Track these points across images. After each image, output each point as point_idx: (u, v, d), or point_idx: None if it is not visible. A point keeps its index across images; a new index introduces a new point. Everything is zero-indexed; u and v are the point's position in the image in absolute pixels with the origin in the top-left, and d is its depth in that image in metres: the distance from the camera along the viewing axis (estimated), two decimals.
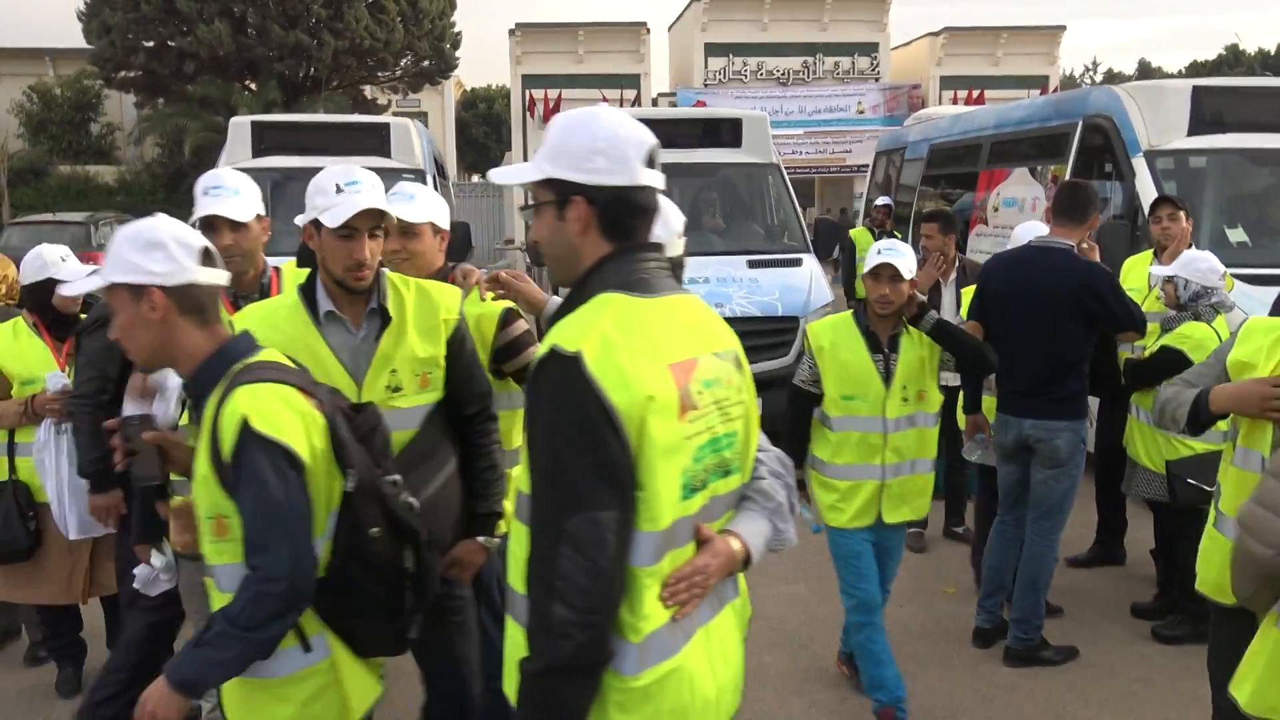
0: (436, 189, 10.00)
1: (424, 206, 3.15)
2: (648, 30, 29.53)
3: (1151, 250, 5.94)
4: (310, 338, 2.66)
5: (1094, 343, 4.58)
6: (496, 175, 1.92)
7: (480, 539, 2.88)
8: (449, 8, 29.17)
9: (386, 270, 2.81)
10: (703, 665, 1.82)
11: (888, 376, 3.97)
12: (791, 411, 4.20)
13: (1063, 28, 30.62)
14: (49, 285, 4.15)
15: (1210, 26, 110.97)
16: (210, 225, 3.17)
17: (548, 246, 1.84)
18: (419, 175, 9.82)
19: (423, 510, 2.61)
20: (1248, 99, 7.76)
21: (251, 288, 3.31)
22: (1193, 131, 7.49)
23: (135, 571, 3.58)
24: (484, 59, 68.42)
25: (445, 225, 3.22)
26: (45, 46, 31.68)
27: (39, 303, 4.22)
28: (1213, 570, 2.94)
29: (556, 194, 1.80)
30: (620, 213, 1.80)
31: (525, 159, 28.57)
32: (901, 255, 3.92)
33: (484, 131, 46.74)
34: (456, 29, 29.49)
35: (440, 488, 2.73)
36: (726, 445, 1.85)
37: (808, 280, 8.56)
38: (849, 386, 3.98)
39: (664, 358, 1.72)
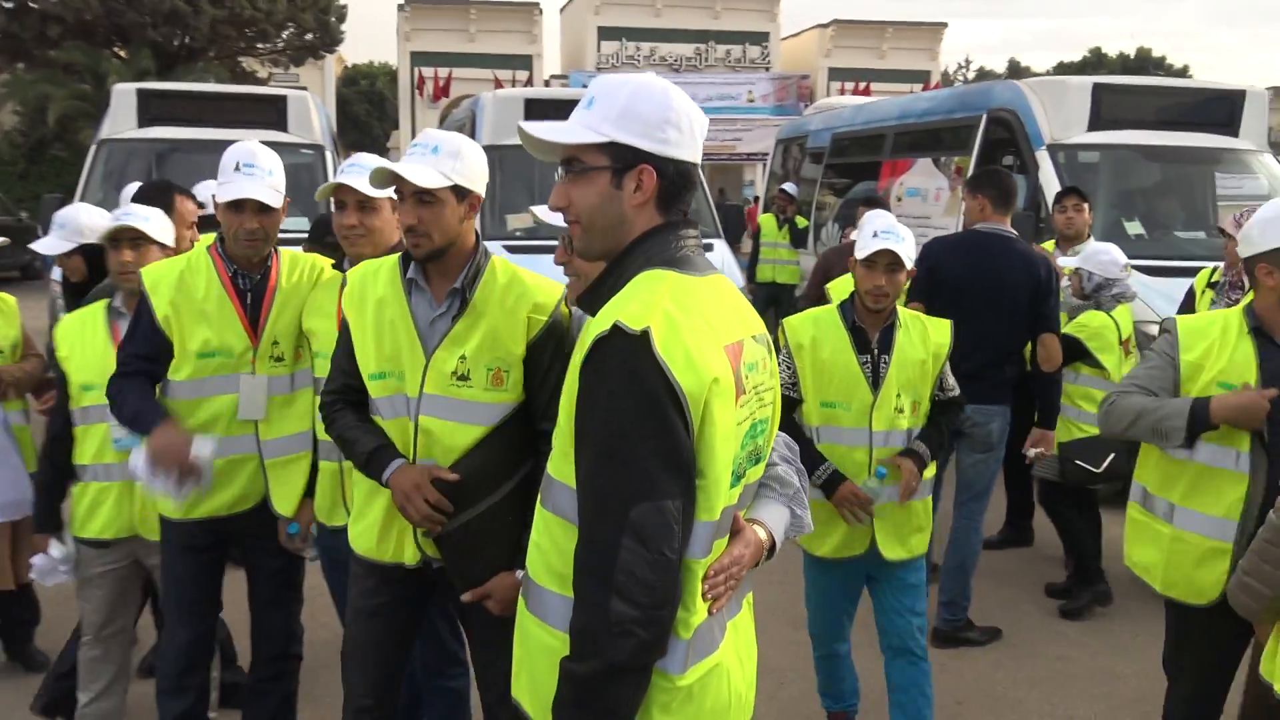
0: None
1: None
2: (540, 11, 29.25)
3: (1054, 240, 6.14)
4: (395, 299, 2.56)
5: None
6: (541, 130, 1.74)
7: (519, 573, 2.55)
8: None
9: (494, 253, 2.65)
10: (734, 661, 1.76)
11: (876, 381, 3.40)
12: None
13: (944, 25, 31.58)
14: None
15: (1070, 30, 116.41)
16: (239, 207, 2.98)
17: (591, 214, 1.72)
18: (317, 150, 9.47)
19: (459, 531, 2.49)
20: (1145, 97, 8.10)
21: (254, 269, 3.11)
22: (1093, 127, 7.79)
23: (33, 561, 3.43)
24: (366, 35, 66.84)
25: None
26: None
27: None
28: (1163, 567, 2.94)
29: (615, 160, 1.70)
30: (681, 188, 1.74)
31: (414, 137, 27.94)
32: (901, 240, 3.36)
33: (366, 109, 45.57)
34: (342, 2, 28.62)
35: (489, 508, 2.52)
36: (760, 432, 1.79)
37: (719, 266, 8.58)
38: (829, 392, 3.41)
39: (720, 339, 1.65)
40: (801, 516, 2.01)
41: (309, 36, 28.17)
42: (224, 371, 3.05)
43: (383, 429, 2.59)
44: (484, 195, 2.62)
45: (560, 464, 1.67)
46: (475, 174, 2.56)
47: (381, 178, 2.52)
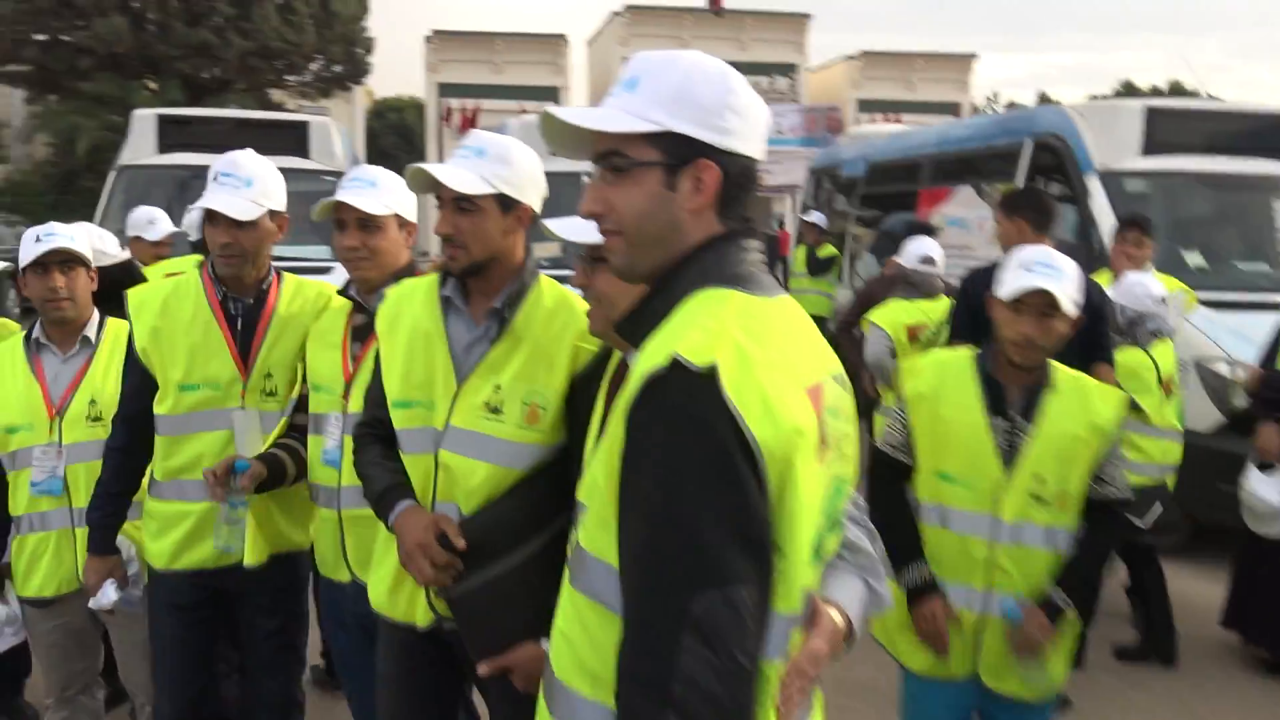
0: None
1: (387, 195, 2.66)
2: (567, 43, 29.23)
3: (1110, 271, 5.77)
4: (430, 320, 2.30)
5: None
6: (577, 116, 1.40)
7: (545, 643, 2.23)
8: (362, 11, 28.37)
9: (543, 271, 2.37)
10: None
11: (1010, 454, 2.60)
12: (878, 489, 2.79)
13: (974, 56, 31.29)
14: None
15: (1095, 64, 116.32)
16: (213, 220, 2.72)
17: (638, 222, 1.39)
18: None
19: (475, 594, 2.14)
20: (1200, 121, 7.73)
21: (247, 292, 2.82)
22: (1146, 152, 7.42)
23: None
24: (394, 68, 67.36)
25: (412, 216, 2.74)
26: None
27: None
28: None
29: (668, 154, 1.37)
30: (744, 188, 1.41)
31: None
32: (1060, 276, 2.58)
33: (393, 142, 45.77)
34: (370, 34, 28.72)
35: (513, 568, 2.16)
36: (841, 492, 1.44)
37: None
38: (947, 460, 2.65)
39: (800, 379, 1.31)
40: (879, 591, 1.67)
41: (337, 68, 28.25)
42: (210, 405, 2.74)
43: (403, 466, 2.29)
44: (537, 208, 2.31)
45: (597, 535, 1.33)
46: (525, 182, 2.26)
47: (417, 180, 2.26)
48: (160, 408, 2.76)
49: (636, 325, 1.41)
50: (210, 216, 2.71)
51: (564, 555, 2.07)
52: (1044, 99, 52.09)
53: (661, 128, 1.36)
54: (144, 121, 9.35)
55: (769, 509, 1.23)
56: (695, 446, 1.20)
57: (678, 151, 1.37)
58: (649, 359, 1.26)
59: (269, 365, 2.79)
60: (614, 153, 1.40)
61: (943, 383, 2.71)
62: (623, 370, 1.93)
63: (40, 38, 24.75)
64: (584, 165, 1.52)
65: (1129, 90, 44.13)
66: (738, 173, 1.40)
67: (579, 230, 1.90)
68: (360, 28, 28.33)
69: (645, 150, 1.38)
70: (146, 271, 4.57)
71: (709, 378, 1.21)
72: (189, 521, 2.78)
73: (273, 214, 2.79)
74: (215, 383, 2.74)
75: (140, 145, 9.27)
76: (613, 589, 1.29)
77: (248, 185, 2.71)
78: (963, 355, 2.78)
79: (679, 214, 1.38)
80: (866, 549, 1.65)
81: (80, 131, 24.09)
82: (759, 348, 1.27)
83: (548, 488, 2.21)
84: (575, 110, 1.42)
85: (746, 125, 1.40)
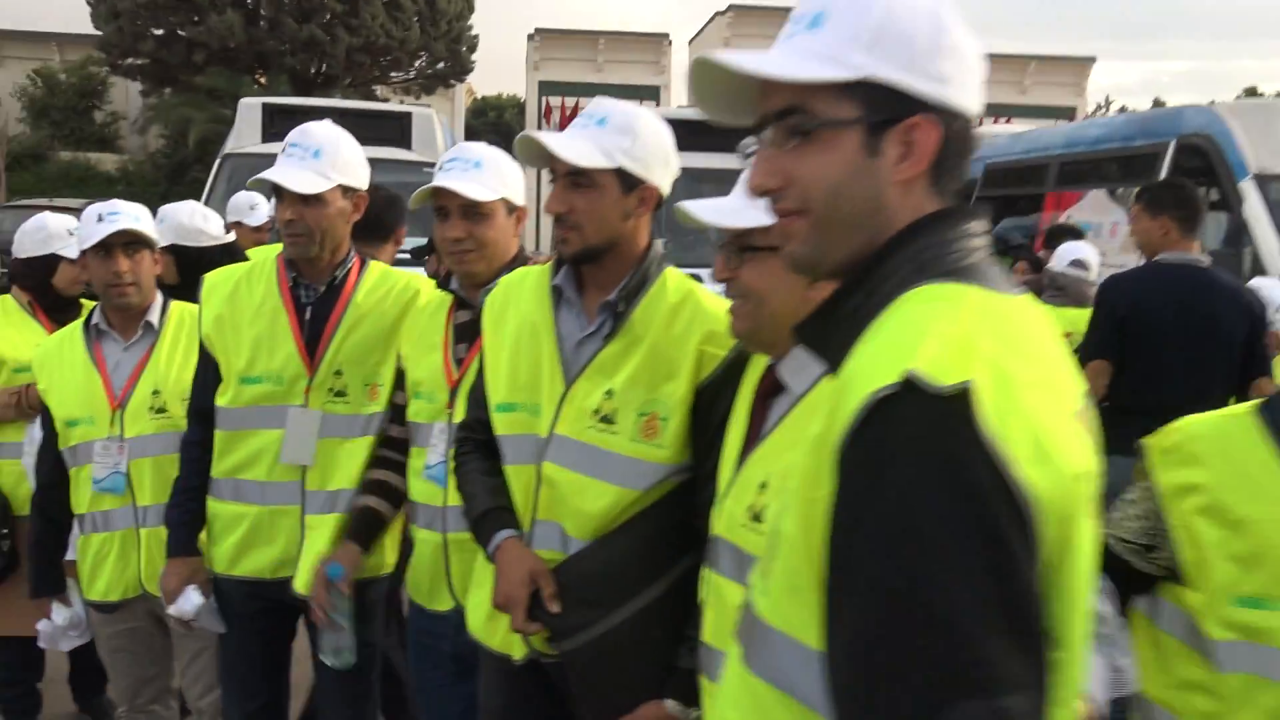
0: None
1: (493, 176, 2.34)
2: (669, 42, 29.03)
3: None
4: (539, 312, 2.03)
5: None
6: (747, 62, 1.06)
7: (670, 704, 1.86)
8: (467, 10, 28.63)
9: (670, 264, 2.07)
10: None
11: None
12: None
13: (1092, 59, 30.14)
14: (51, 261, 3.40)
15: (1210, 72, 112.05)
16: (278, 195, 2.47)
17: (831, 196, 1.05)
18: None
19: (587, 648, 1.87)
20: None
21: (319, 278, 2.55)
22: None
23: (38, 627, 2.97)
24: (495, 67, 68.16)
25: (521, 199, 2.42)
26: (53, 31, 31.08)
27: (37, 281, 3.44)
28: None
29: (870, 110, 1.03)
30: (964, 155, 1.07)
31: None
32: None
33: (493, 140, 46.27)
34: (474, 32, 28.95)
35: (631, 617, 1.86)
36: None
37: None
38: (1254, 578, 1.64)
39: (1069, 404, 0.97)
40: (1124, 669, 1.33)
41: (440, 66, 28.54)
42: (271, 401, 2.48)
43: (505, 482, 2.03)
44: (665, 190, 1.99)
45: (788, 606, 1.00)
46: (651, 158, 1.94)
47: (528, 150, 1.95)
48: (221, 400, 2.51)
49: (827, 329, 1.07)
50: (278, 193, 2.45)
51: (689, 599, 1.76)
52: (1160, 106, 50.22)
53: (861, 75, 1.02)
54: (250, 110, 9.38)
55: (1041, 584, 0.88)
56: (944, 498, 0.84)
57: (882, 106, 1.03)
58: (869, 376, 0.91)
59: (339, 361, 2.50)
60: (795, 109, 1.05)
61: (1228, 464, 1.71)
62: (770, 379, 1.61)
63: (158, 32, 25.53)
64: (717, 161, 1.18)
65: (1252, 98, 42.24)
66: (957, 133, 1.05)
67: (723, 212, 1.58)
68: (464, 26, 28.58)
69: (838, 105, 1.03)
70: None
71: (961, 403, 0.86)
72: (245, 525, 2.53)
73: (348, 191, 2.50)
74: (278, 376, 2.48)
75: (245, 133, 9.30)
76: (811, 679, 0.95)
77: (315, 156, 2.43)
78: (1243, 418, 1.76)
79: (884, 187, 1.04)
80: (1107, 613, 1.31)
81: (191, 124, 24.76)
82: (1019, 363, 0.92)
83: (668, 522, 1.90)
84: (744, 54, 1.07)
85: (964, 72, 1.06)
